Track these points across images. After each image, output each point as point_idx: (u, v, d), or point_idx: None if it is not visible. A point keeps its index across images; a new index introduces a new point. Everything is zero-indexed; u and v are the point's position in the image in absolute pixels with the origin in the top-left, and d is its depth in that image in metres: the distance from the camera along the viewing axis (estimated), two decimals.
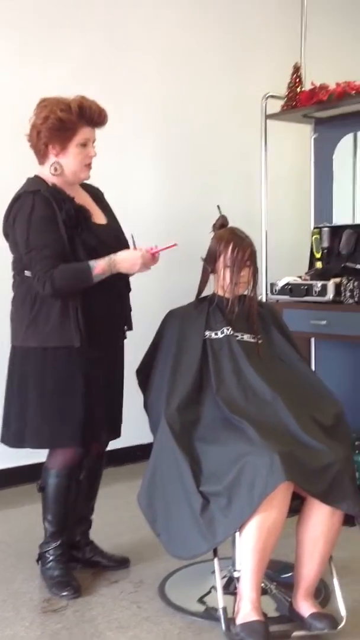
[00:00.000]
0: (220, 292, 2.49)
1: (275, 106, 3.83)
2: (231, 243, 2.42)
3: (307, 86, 3.68)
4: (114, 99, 3.79)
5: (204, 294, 2.54)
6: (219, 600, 2.18)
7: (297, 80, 3.74)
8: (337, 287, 3.36)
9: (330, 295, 3.37)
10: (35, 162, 2.50)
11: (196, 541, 2.11)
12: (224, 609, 2.16)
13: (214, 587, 2.30)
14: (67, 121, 2.37)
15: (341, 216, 3.83)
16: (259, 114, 3.85)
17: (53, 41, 3.63)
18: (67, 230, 2.37)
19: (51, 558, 2.53)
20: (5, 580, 2.61)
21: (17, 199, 2.38)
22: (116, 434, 2.60)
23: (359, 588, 2.49)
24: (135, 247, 2.45)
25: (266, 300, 3.62)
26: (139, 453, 3.58)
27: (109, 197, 2.66)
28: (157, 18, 3.99)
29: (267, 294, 3.67)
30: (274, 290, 3.61)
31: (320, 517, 2.14)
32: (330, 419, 2.30)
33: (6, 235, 2.48)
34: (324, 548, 2.17)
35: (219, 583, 2.22)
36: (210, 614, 2.30)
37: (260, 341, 2.44)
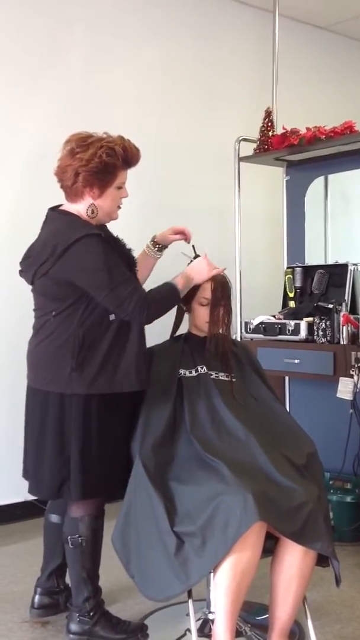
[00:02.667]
0: (195, 331, 2.52)
1: (248, 149, 3.93)
2: (205, 282, 2.45)
3: (279, 130, 3.78)
4: None
5: (178, 333, 2.56)
6: None
7: (269, 124, 3.84)
8: (310, 326, 3.41)
9: (303, 334, 3.41)
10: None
11: (170, 582, 2.08)
12: None
13: (188, 630, 2.27)
14: (111, 165, 2.31)
15: (313, 256, 3.91)
16: (232, 157, 3.94)
17: (31, 79, 3.69)
18: None
19: (100, 612, 2.41)
20: None
21: (77, 240, 2.24)
22: None
23: (333, 629, 2.48)
24: (196, 256, 2.49)
25: (240, 338, 3.65)
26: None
27: None
28: (135, 59, 4.08)
29: (241, 332, 3.70)
30: (248, 329, 3.64)
31: (293, 558, 2.13)
32: (303, 457, 2.30)
33: (41, 273, 2.32)
34: (297, 589, 2.16)
35: (194, 625, 2.19)
36: None
37: (234, 380, 2.46)
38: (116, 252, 2.33)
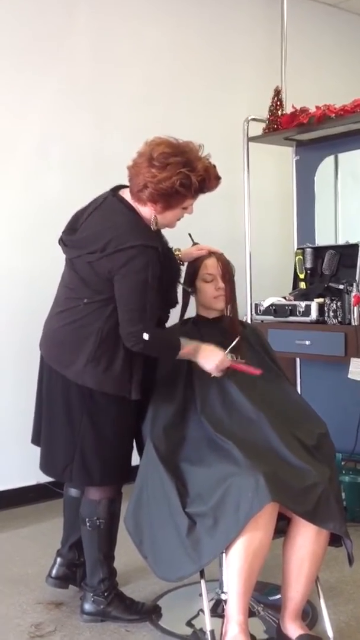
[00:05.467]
0: (203, 312, 2.51)
1: (257, 129, 3.89)
2: (205, 259, 2.47)
3: (288, 109, 3.74)
4: (97, 118, 3.85)
5: (186, 316, 2.55)
6: (207, 623, 2.17)
7: (278, 103, 3.80)
8: (321, 307, 3.39)
9: (313, 315, 3.40)
10: None
11: (182, 563, 2.10)
12: (212, 632, 2.15)
13: (201, 610, 2.28)
14: (181, 194, 2.25)
15: (323, 237, 3.88)
16: (241, 137, 3.90)
17: (36, 62, 3.66)
18: (167, 288, 2.33)
19: (114, 592, 2.43)
20: None
21: (132, 247, 2.20)
22: None
23: (347, 609, 2.49)
24: (193, 243, 2.50)
25: (251, 320, 3.64)
26: None
27: None
28: (142, 40, 4.03)
29: (251, 314, 3.68)
30: (258, 311, 3.63)
31: (306, 538, 2.13)
32: (314, 438, 2.30)
33: (85, 260, 2.29)
34: (310, 569, 2.16)
35: (207, 605, 2.21)
36: (198, 636, 2.28)
37: (244, 361, 2.45)
38: (163, 268, 2.28)
